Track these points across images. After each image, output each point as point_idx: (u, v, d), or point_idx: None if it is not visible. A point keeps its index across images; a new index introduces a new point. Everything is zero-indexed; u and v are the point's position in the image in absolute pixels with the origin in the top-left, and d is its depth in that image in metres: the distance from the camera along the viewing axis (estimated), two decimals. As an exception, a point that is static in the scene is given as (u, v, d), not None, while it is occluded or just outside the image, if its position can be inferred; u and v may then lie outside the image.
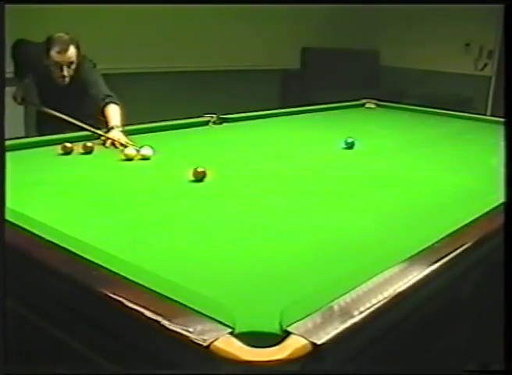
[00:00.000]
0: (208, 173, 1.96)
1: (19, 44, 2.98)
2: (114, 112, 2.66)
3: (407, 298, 1.18)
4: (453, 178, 2.20)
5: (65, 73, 2.75)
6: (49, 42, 2.70)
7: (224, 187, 1.98)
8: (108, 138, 2.47)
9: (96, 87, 2.76)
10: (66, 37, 2.73)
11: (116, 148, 2.39)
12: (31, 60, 2.88)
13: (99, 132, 2.55)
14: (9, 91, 2.91)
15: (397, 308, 1.16)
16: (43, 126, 3.03)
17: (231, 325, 0.98)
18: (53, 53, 2.70)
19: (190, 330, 0.96)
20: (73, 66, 2.76)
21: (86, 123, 2.60)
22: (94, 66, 2.90)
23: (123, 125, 2.60)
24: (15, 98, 2.97)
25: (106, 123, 2.61)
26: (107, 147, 2.44)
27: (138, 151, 2.29)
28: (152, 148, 2.30)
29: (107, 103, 2.68)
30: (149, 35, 5.09)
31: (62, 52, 2.70)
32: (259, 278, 1.25)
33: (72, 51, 2.72)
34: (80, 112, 2.71)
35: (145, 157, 2.27)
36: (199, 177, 1.95)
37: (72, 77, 2.78)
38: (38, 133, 2.94)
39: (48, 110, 2.76)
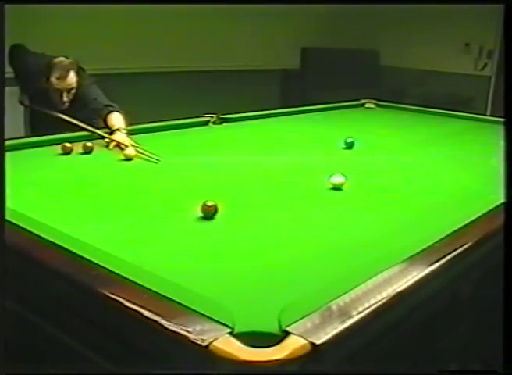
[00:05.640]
0: (219, 205, 1.63)
1: (17, 52, 2.93)
2: (117, 118, 2.66)
3: (407, 298, 1.18)
4: (453, 178, 2.20)
5: (65, 98, 2.74)
6: (49, 68, 2.68)
7: (224, 186, 1.98)
8: (113, 140, 2.47)
9: (96, 102, 2.76)
10: (66, 62, 2.71)
11: (122, 149, 2.38)
12: (30, 75, 2.84)
13: (104, 134, 2.55)
14: (9, 90, 2.90)
15: (397, 308, 1.16)
16: (37, 126, 3.02)
17: (230, 325, 0.98)
18: (53, 79, 2.69)
19: (189, 330, 0.96)
20: (73, 91, 2.75)
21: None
22: (94, 81, 2.88)
23: (127, 128, 2.60)
24: (21, 102, 2.96)
25: (109, 129, 2.61)
26: (111, 149, 2.44)
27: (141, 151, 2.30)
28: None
29: (110, 111, 2.68)
30: (149, 35, 5.09)
31: (61, 79, 2.69)
32: (258, 278, 1.25)
33: (71, 77, 2.71)
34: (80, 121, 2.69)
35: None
36: (209, 214, 1.62)
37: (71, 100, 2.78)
38: (32, 134, 2.93)
39: (58, 114, 2.74)
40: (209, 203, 1.61)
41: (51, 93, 2.75)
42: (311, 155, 2.53)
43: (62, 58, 2.72)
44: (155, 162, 2.23)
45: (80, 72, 2.77)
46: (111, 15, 4.73)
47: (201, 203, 1.61)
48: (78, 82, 2.75)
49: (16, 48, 2.95)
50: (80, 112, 2.70)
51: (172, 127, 2.87)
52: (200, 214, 1.61)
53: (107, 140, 2.50)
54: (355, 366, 1.06)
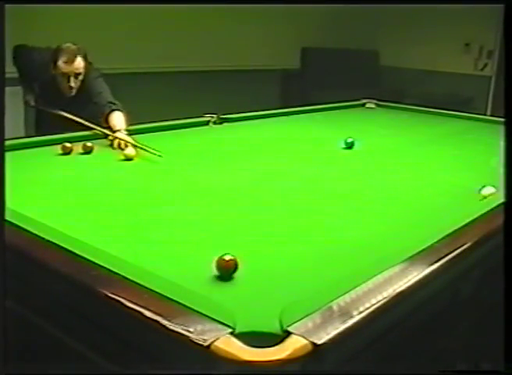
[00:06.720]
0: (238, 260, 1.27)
1: (20, 51, 2.94)
2: (119, 118, 2.65)
3: (407, 298, 1.18)
4: (453, 178, 2.20)
5: (72, 84, 2.75)
6: (56, 52, 2.69)
7: (224, 184, 1.98)
8: (117, 138, 2.47)
9: (101, 96, 2.76)
10: (74, 47, 2.72)
11: (122, 149, 2.38)
12: (36, 69, 2.85)
13: (108, 132, 2.55)
14: (9, 90, 2.90)
15: (397, 308, 1.16)
16: (42, 125, 3.02)
17: (231, 325, 0.98)
18: (60, 64, 2.69)
19: (191, 330, 0.96)
20: (80, 77, 2.76)
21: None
22: (101, 74, 2.89)
23: (128, 128, 2.60)
24: (26, 102, 2.96)
25: (110, 128, 2.61)
26: (115, 148, 2.44)
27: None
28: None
29: (112, 110, 2.68)
30: (149, 35, 5.09)
31: (69, 63, 2.69)
32: (259, 278, 1.25)
33: (79, 61, 2.71)
34: (84, 119, 2.69)
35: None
36: (227, 272, 1.26)
37: (78, 87, 2.78)
38: (37, 133, 2.93)
39: (62, 113, 2.74)
40: (227, 257, 1.25)
41: (59, 78, 2.74)
42: (310, 154, 2.53)
43: (69, 44, 2.74)
44: (158, 156, 2.23)
45: (86, 63, 2.78)
46: (111, 15, 4.73)
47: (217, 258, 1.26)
48: (85, 67, 2.75)
49: (20, 48, 2.97)
50: (84, 110, 2.70)
51: (172, 127, 2.87)
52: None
53: (110, 137, 2.50)
54: (356, 366, 1.06)
